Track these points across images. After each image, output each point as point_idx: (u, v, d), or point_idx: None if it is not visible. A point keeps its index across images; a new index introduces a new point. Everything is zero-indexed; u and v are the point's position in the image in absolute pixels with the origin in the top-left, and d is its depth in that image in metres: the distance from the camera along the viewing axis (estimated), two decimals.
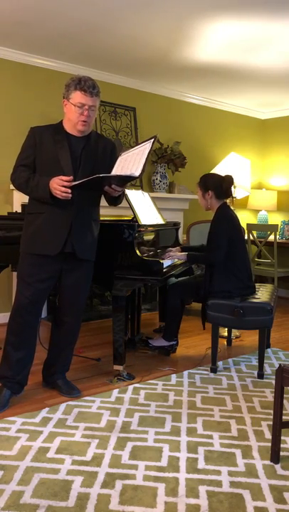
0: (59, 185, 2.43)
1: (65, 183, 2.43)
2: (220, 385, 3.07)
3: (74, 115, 2.54)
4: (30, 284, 2.63)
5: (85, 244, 2.66)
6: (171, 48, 4.20)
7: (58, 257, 2.61)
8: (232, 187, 3.40)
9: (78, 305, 2.81)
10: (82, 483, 1.95)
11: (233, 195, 3.51)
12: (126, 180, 2.52)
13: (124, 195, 2.79)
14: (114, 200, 2.74)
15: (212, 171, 4.67)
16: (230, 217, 3.34)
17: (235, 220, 3.35)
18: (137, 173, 2.42)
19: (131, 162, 2.52)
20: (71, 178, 2.45)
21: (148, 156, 2.46)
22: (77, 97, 2.50)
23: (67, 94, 2.55)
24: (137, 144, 2.64)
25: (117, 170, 2.57)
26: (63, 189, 2.43)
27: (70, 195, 2.46)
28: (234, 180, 3.41)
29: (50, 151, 2.57)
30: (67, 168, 2.55)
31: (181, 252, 3.47)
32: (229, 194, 3.41)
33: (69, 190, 2.44)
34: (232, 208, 3.52)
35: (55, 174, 2.49)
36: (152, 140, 2.52)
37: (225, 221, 3.31)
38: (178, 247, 3.57)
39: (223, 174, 3.48)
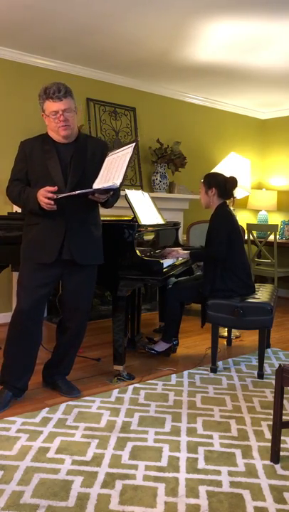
0: (43, 197, 2.44)
1: (49, 194, 2.43)
2: (220, 385, 3.07)
3: (52, 124, 2.55)
4: (30, 289, 2.63)
5: (83, 250, 2.64)
6: (171, 48, 4.20)
7: (56, 262, 2.61)
8: (235, 189, 3.43)
9: (81, 310, 2.78)
10: (82, 483, 1.95)
11: (234, 196, 3.52)
12: (108, 190, 2.49)
13: (116, 197, 2.75)
14: (103, 205, 2.71)
15: (212, 171, 4.67)
16: (229, 215, 3.38)
17: (233, 219, 3.38)
18: (117, 182, 2.40)
19: (114, 167, 2.50)
20: (55, 188, 2.45)
21: (129, 163, 2.43)
22: (48, 107, 2.53)
23: (42, 108, 2.58)
24: (124, 145, 2.60)
25: (104, 173, 2.54)
26: (46, 200, 2.43)
27: (55, 206, 2.46)
28: (237, 182, 3.44)
29: (40, 161, 2.58)
30: (58, 177, 2.55)
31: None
32: (231, 195, 3.46)
33: (52, 202, 2.44)
34: (231, 208, 3.53)
35: (46, 184, 2.49)
36: (133, 145, 2.48)
37: (224, 218, 3.34)
38: (179, 248, 3.57)
39: (227, 175, 3.50)
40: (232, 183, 3.41)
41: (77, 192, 2.42)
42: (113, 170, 2.49)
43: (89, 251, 2.68)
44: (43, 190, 2.45)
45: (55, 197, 2.44)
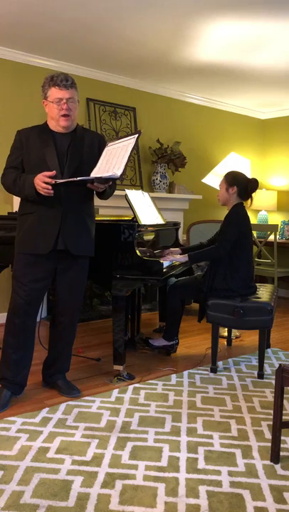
0: (41, 181, 2.44)
1: (47, 179, 2.43)
2: (220, 385, 3.07)
3: (54, 111, 2.56)
4: (25, 284, 2.63)
5: (78, 240, 2.65)
6: (172, 47, 4.20)
7: (51, 255, 2.62)
8: (255, 191, 3.41)
9: (74, 305, 2.81)
10: (82, 483, 1.95)
11: (252, 199, 3.47)
12: (107, 180, 2.50)
13: (113, 189, 2.76)
14: (101, 195, 2.72)
15: (212, 171, 4.67)
16: (244, 216, 3.36)
17: (248, 221, 3.37)
18: (118, 173, 2.39)
19: (115, 157, 2.49)
20: (54, 173, 2.46)
21: (131, 153, 2.44)
22: (53, 93, 2.54)
23: (45, 95, 2.59)
24: (124, 136, 2.60)
25: (102, 163, 2.55)
26: (44, 185, 2.43)
27: (52, 192, 2.45)
28: (258, 185, 3.41)
29: (36, 150, 2.59)
30: (54, 165, 2.56)
31: (182, 253, 3.47)
32: (249, 196, 3.43)
33: (50, 187, 2.44)
34: (248, 208, 3.49)
35: (42, 172, 2.49)
36: (136, 136, 2.49)
37: (239, 218, 3.33)
38: (177, 249, 3.56)
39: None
40: (254, 184, 3.39)
41: (78, 178, 2.42)
42: (113, 160, 2.48)
43: (82, 242, 2.68)
44: (40, 174, 2.45)
45: (53, 182, 2.44)
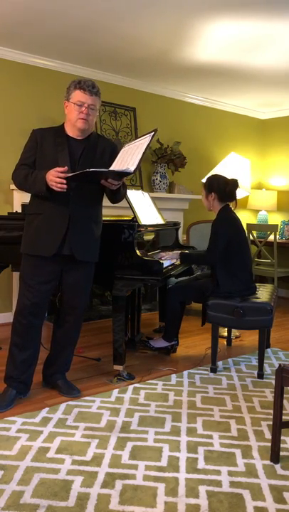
0: (54, 176, 2.44)
1: (60, 174, 2.44)
2: (220, 385, 3.08)
3: (73, 114, 2.58)
4: (32, 285, 2.64)
5: (83, 247, 2.65)
6: (171, 48, 4.20)
7: (56, 258, 2.63)
8: (236, 190, 3.37)
9: (79, 305, 2.81)
10: (82, 483, 1.95)
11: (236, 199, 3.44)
12: (121, 175, 2.51)
13: (125, 191, 2.78)
14: (114, 196, 2.73)
15: (212, 171, 4.67)
16: (231, 219, 3.32)
17: (236, 223, 3.34)
18: (132, 168, 2.41)
19: (130, 155, 2.52)
20: (66, 168, 2.46)
21: (145, 150, 2.46)
22: (77, 95, 2.56)
23: (68, 95, 2.60)
24: (141, 136, 2.63)
25: (117, 163, 2.57)
26: (58, 180, 2.44)
27: (66, 186, 2.46)
28: (239, 184, 3.37)
29: (50, 153, 2.60)
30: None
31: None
32: (233, 197, 3.38)
33: (64, 181, 2.44)
34: (234, 209, 3.47)
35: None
36: (152, 134, 2.52)
37: (225, 224, 3.29)
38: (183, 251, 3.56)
39: (228, 177, 3.42)
40: (233, 185, 3.33)
41: (91, 170, 2.42)
42: (128, 158, 2.51)
43: (88, 248, 2.69)
44: (53, 170, 2.46)
45: (65, 176, 2.44)
